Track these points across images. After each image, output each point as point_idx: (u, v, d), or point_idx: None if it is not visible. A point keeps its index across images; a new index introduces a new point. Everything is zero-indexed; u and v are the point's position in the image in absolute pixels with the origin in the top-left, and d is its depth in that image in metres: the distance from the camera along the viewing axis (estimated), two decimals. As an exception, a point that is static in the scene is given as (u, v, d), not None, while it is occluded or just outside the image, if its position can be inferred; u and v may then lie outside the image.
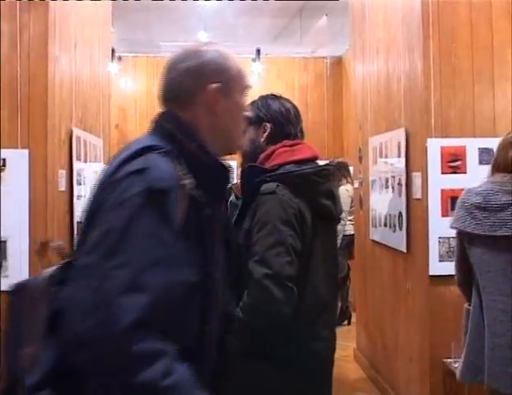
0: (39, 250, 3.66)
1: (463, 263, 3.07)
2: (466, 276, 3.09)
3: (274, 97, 2.64)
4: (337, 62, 9.68)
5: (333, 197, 2.50)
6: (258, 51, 9.08)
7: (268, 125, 2.52)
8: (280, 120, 2.54)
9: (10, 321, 1.54)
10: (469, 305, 3.09)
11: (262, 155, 2.47)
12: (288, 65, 9.71)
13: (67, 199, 4.46)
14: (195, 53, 1.65)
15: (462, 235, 3.03)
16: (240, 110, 1.69)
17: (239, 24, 9.03)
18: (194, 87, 1.61)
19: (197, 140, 1.56)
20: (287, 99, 2.66)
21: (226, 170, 1.64)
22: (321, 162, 2.55)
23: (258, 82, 9.57)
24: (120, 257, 1.33)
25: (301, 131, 2.62)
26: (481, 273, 2.94)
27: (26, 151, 3.93)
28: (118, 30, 8.22)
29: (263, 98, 2.63)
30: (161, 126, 1.61)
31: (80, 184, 4.74)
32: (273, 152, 2.46)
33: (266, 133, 2.52)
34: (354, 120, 6.64)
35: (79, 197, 4.71)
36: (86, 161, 4.95)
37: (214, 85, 1.60)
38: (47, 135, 3.98)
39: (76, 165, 4.61)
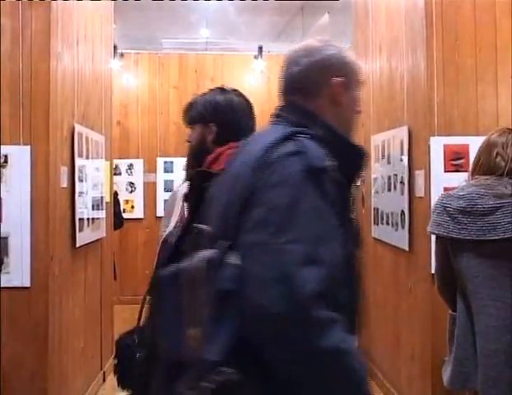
0: None
1: (447, 270, 3.02)
2: (449, 283, 3.05)
3: (222, 92, 2.49)
4: (339, 60, 9.65)
5: None
6: (261, 48, 9.06)
7: (214, 125, 2.39)
8: (227, 119, 2.39)
9: (163, 305, 1.58)
10: (453, 311, 3.06)
11: (209, 158, 2.33)
12: (290, 63, 9.69)
13: (68, 196, 4.46)
14: (317, 48, 1.74)
15: (444, 241, 2.98)
16: (357, 103, 1.78)
17: (241, 21, 9.04)
18: (320, 81, 1.71)
19: (326, 126, 1.65)
20: (239, 94, 2.49)
21: (363, 153, 1.71)
22: None
23: (260, 80, 9.56)
24: (291, 232, 1.40)
25: (253, 128, 2.45)
26: (469, 279, 2.88)
27: (28, 148, 3.93)
28: (120, 27, 8.22)
29: (211, 93, 2.48)
30: (287, 117, 1.69)
31: (81, 181, 4.73)
32: (220, 155, 2.30)
33: (212, 134, 2.39)
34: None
35: (81, 193, 4.70)
36: (87, 158, 4.95)
37: (338, 79, 1.70)
38: (49, 131, 3.97)
39: (78, 162, 4.60)
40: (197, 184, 2.23)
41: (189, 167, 2.49)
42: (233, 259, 1.44)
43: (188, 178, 2.36)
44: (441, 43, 4.13)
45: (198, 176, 2.26)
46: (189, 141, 2.49)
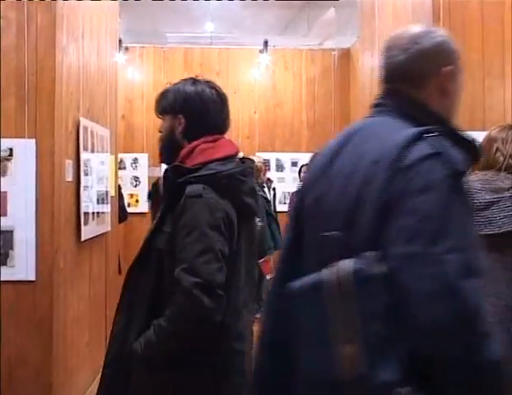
0: None
1: None
2: None
3: (194, 83, 2.40)
4: (345, 55, 9.62)
5: (255, 195, 2.40)
6: (266, 42, 9.03)
7: (183, 117, 2.34)
8: (196, 111, 2.33)
9: (303, 321, 1.48)
10: None
11: (183, 152, 2.29)
12: (295, 57, 9.66)
13: (73, 189, 4.45)
14: (423, 35, 1.66)
15: None
16: (461, 91, 1.71)
17: (247, 15, 9.01)
18: (429, 69, 1.64)
19: (439, 118, 1.58)
20: (212, 86, 2.41)
21: (478, 145, 1.61)
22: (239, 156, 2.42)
23: (266, 74, 9.54)
24: (447, 241, 1.34)
25: (225, 122, 2.39)
26: None
27: (33, 141, 3.92)
28: (125, 21, 8.21)
29: (182, 83, 2.41)
30: (393, 107, 1.64)
31: (87, 175, 4.73)
32: (194, 149, 2.28)
33: (181, 126, 2.34)
34: (361, 113, 6.60)
35: (86, 187, 4.69)
36: (93, 151, 4.94)
37: (448, 68, 1.64)
38: (54, 125, 3.96)
39: (84, 156, 4.59)
40: (171, 182, 2.23)
41: (162, 160, 2.46)
42: (380, 269, 1.37)
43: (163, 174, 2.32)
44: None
45: (173, 172, 2.26)
46: (160, 132, 2.46)
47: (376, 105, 1.70)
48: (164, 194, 2.30)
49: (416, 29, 1.69)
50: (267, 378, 1.71)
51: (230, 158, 2.32)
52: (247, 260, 2.36)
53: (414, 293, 1.33)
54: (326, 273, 1.41)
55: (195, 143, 2.28)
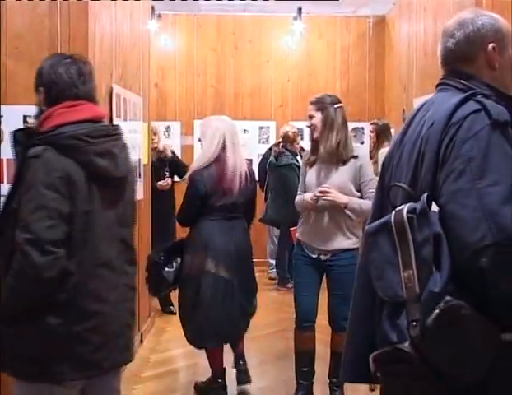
0: None
1: None
2: None
3: (50, 57, 2.59)
4: (380, 22, 9.44)
5: (113, 157, 2.46)
6: (300, 10, 8.88)
7: (42, 89, 2.50)
8: (50, 82, 2.48)
9: (377, 253, 1.83)
10: None
11: (42, 117, 2.46)
12: (330, 24, 9.50)
13: (106, 157, 4.42)
14: (469, 20, 1.98)
15: None
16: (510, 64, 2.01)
17: (281, -18, 8.85)
18: (475, 49, 1.97)
19: (490, 87, 1.91)
20: (70, 56, 2.56)
21: None
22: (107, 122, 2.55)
23: (300, 42, 9.41)
24: (489, 177, 1.67)
25: (83, 89, 2.51)
26: None
27: (67, 108, 3.89)
28: (158, -12, 8.11)
29: (44, 59, 2.59)
30: (453, 83, 1.96)
31: (120, 143, 4.70)
32: (51, 114, 2.43)
33: (42, 97, 2.50)
34: (398, 81, 6.47)
35: (119, 155, 4.67)
36: (125, 119, 4.91)
37: (491, 45, 1.95)
38: (87, 92, 3.93)
39: (116, 123, 4.56)
40: (23, 145, 2.39)
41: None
42: (435, 207, 1.71)
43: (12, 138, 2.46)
44: (491, 1, 3.97)
45: (24, 136, 2.43)
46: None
47: (438, 85, 2.04)
48: (16, 157, 2.44)
49: (464, 14, 2.02)
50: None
51: (89, 121, 2.44)
52: (118, 222, 2.50)
53: (463, 219, 1.66)
54: (392, 214, 1.79)
55: (52, 109, 2.44)
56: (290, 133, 7.30)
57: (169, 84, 9.38)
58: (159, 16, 8.97)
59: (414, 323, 1.66)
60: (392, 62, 8.40)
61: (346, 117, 4.18)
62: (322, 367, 5.14)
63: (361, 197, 4.05)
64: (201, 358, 5.31)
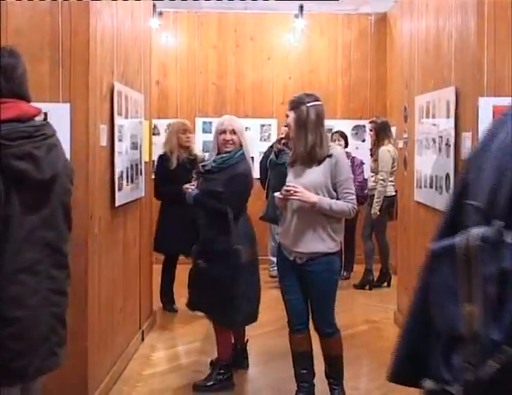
0: None
1: None
2: None
3: None
4: (382, 19, 9.42)
5: (34, 160, 2.39)
6: (301, 7, 8.87)
7: None
8: None
9: (437, 279, 1.61)
10: None
11: None
12: (331, 22, 9.48)
13: (107, 155, 4.43)
14: None
15: None
16: None
17: (282, -21, 8.83)
18: None
19: None
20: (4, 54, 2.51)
21: None
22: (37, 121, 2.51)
23: (301, 39, 9.39)
24: None
25: (11, 90, 2.47)
26: None
27: (68, 105, 3.89)
28: (160, -15, 8.10)
29: None
30: None
31: (121, 140, 4.69)
32: None
33: None
34: (399, 78, 6.47)
35: (120, 152, 4.67)
36: (127, 117, 4.90)
37: None
38: (88, 89, 3.93)
39: (118, 121, 4.56)
40: None
41: None
42: (503, 237, 1.43)
43: None
44: (493, 0, 3.96)
45: None
46: None
47: None
48: None
49: None
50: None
51: (14, 121, 2.38)
52: (43, 226, 2.43)
53: None
54: (460, 237, 1.52)
55: None
56: (288, 130, 7.27)
57: (171, 81, 9.37)
58: (160, 13, 8.96)
59: (469, 366, 1.48)
60: (393, 60, 8.39)
61: (323, 115, 4.01)
62: (322, 365, 5.13)
63: (338, 198, 3.94)
64: (202, 355, 5.32)
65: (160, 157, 6.53)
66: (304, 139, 3.91)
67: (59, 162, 2.56)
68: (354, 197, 3.94)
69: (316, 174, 3.92)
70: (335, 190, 3.94)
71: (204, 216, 4.67)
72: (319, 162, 3.92)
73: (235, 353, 4.97)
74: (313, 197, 3.85)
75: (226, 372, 4.67)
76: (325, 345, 4.16)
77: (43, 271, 2.45)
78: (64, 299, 2.60)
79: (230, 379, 4.69)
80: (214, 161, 4.59)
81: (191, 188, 4.77)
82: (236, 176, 4.45)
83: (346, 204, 3.89)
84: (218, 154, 4.61)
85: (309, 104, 3.95)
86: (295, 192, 3.86)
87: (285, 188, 3.92)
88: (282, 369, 4.86)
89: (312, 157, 3.92)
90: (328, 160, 3.91)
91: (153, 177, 6.51)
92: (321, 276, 3.94)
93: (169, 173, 6.25)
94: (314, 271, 3.95)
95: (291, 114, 4.02)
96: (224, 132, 4.57)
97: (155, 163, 6.69)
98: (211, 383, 4.62)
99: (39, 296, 2.43)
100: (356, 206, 3.97)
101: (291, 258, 4.03)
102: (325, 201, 3.87)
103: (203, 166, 4.69)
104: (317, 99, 4.02)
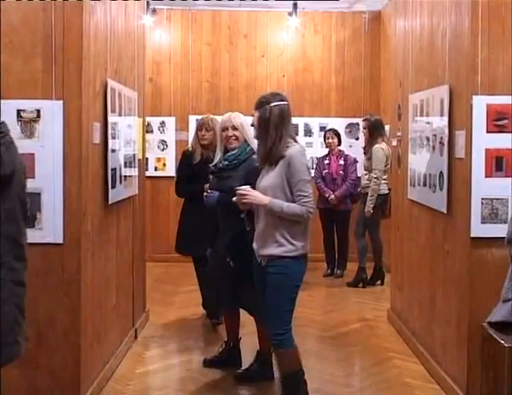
0: None
1: None
2: None
3: None
4: (376, 18, 9.41)
5: None
6: (295, 5, 8.85)
7: None
8: None
9: None
10: None
11: None
12: (325, 20, 9.47)
13: (101, 152, 4.41)
14: None
15: None
16: None
17: (276, -23, 8.83)
18: None
19: None
20: None
21: None
22: None
23: (295, 37, 9.39)
24: None
25: None
26: None
27: (61, 103, 3.87)
28: (153, -18, 8.08)
29: None
30: None
31: (114, 137, 4.68)
32: None
33: None
34: (393, 77, 6.47)
35: (113, 150, 4.65)
36: (120, 114, 4.88)
37: None
38: (81, 86, 3.91)
39: (111, 118, 4.54)
40: None
41: None
42: None
43: None
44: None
45: None
46: None
47: None
48: None
49: None
50: None
51: None
52: (6, 220, 2.49)
53: None
54: None
55: None
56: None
57: (164, 79, 9.35)
58: (154, 10, 8.94)
59: None
60: (387, 58, 8.39)
61: (286, 115, 3.92)
62: (315, 363, 5.14)
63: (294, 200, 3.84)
64: (195, 354, 5.31)
65: (183, 153, 6.24)
66: (265, 139, 3.87)
67: (17, 158, 2.60)
68: (309, 199, 3.79)
69: (273, 175, 3.84)
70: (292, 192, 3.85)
71: (222, 216, 4.68)
72: (276, 163, 3.84)
73: (228, 351, 4.98)
74: (264, 200, 3.80)
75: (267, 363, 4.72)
76: (275, 358, 4.04)
77: (6, 262, 2.52)
78: (24, 290, 2.65)
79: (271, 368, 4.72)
80: (225, 159, 4.66)
81: (207, 191, 4.77)
82: (252, 170, 4.42)
83: (299, 207, 3.77)
84: (226, 152, 4.71)
85: (272, 104, 3.88)
86: (246, 195, 3.83)
87: (237, 191, 3.90)
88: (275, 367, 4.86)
89: (271, 158, 3.86)
90: (282, 160, 3.82)
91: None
92: (274, 280, 3.84)
93: (191, 169, 5.92)
94: (269, 274, 3.88)
95: (256, 113, 3.98)
96: (226, 129, 4.71)
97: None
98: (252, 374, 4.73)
99: (6, 288, 2.51)
100: (311, 209, 3.81)
101: (258, 261, 3.98)
102: (276, 204, 3.78)
103: (214, 165, 4.73)
104: (282, 99, 3.95)
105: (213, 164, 4.81)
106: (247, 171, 4.49)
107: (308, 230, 3.92)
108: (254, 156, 4.51)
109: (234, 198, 4.01)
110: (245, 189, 3.86)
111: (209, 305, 6.01)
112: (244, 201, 3.85)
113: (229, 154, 4.66)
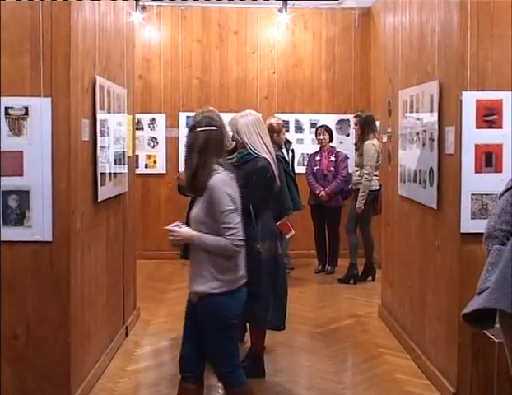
0: None
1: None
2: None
3: None
4: (366, 14, 9.41)
5: None
6: (285, 1, 8.84)
7: None
8: None
9: None
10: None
11: None
12: (315, 16, 9.45)
13: (90, 149, 4.39)
14: None
15: None
16: None
17: (266, -27, 8.82)
18: None
19: None
20: None
21: None
22: None
23: (285, 33, 9.38)
24: None
25: None
26: None
27: (49, 100, 3.85)
28: (143, -22, 8.05)
29: None
30: None
31: (103, 135, 4.66)
32: None
33: None
34: (383, 73, 6.47)
35: (102, 147, 4.63)
36: (109, 111, 4.86)
37: None
38: (70, 83, 3.89)
39: (100, 115, 4.52)
40: None
41: None
42: None
43: None
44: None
45: None
46: None
47: None
48: None
49: None
50: None
51: None
52: None
53: None
54: None
55: None
56: (274, 124, 7.25)
57: (154, 76, 9.32)
58: (143, 7, 8.91)
59: None
60: (377, 54, 8.39)
61: (214, 141, 3.51)
62: (307, 360, 5.14)
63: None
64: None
65: None
66: (189, 165, 3.51)
67: None
68: (234, 231, 3.38)
69: (198, 207, 3.51)
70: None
71: None
72: (202, 193, 3.47)
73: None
74: (190, 234, 3.48)
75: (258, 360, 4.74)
76: None
77: None
78: None
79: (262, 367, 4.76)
80: (236, 156, 4.65)
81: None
82: (254, 172, 4.46)
83: (223, 240, 3.38)
84: (233, 151, 4.71)
85: (200, 129, 3.50)
86: (172, 232, 3.52)
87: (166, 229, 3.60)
88: (267, 365, 4.86)
89: (195, 186, 3.50)
90: (206, 190, 3.43)
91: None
92: (205, 320, 3.50)
93: None
94: (199, 313, 3.53)
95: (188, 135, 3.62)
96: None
97: None
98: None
99: None
100: (237, 242, 3.40)
101: (191, 299, 3.61)
102: (201, 238, 3.44)
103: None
104: (211, 124, 3.55)
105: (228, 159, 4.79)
106: (248, 172, 4.49)
107: (239, 261, 3.54)
108: (262, 158, 4.55)
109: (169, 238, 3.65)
110: (171, 227, 3.54)
111: None
112: (170, 238, 3.53)
113: (239, 151, 4.65)
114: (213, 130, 3.53)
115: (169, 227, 3.52)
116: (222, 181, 3.47)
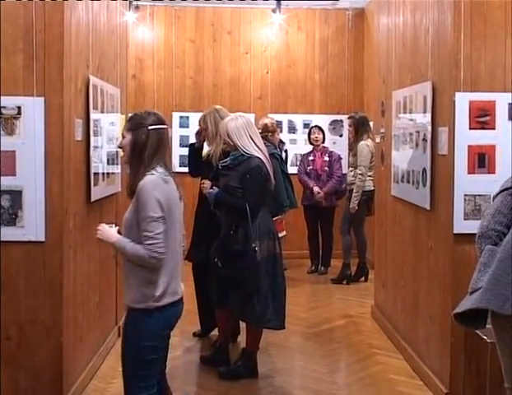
0: None
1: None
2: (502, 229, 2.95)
3: None
4: (359, 15, 9.42)
5: None
6: (279, 2, 8.84)
7: None
8: None
9: None
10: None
11: None
12: (309, 17, 9.46)
13: (83, 149, 4.38)
14: None
15: None
16: None
17: (260, -27, 8.82)
18: None
19: None
20: None
21: None
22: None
23: (279, 34, 9.37)
24: None
25: None
26: None
27: (42, 99, 3.84)
28: (136, -22, 8.04)
29: None
30: None
31: (97, 134, 4.65)
32: None
33: None
34: (376, 74, 6.48)
35: (95, 147, 4.62)
36: (103, 111, 4.85)
37: None
38: (63, 83, 3.88)
39: (93, 115, 4.51)
40: None
41: None
42: None
43: None
44: (469, -2, 3.98)
45: None
46: None
47: None
48: None
49: None
50: None
51: None
52: None
53: None
54: None
55: None
56: (269, 124, 7.26)
57: (148, 75, 9.30)
58: (137, 7, 8.90)
59: None
60: (371, 55, 8.40)
61: (166, 141, 3.27)
62: (300, 360, 5.14)
63: None
64: (178, 351, 5.29)
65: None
66: (137, 166, 3.12)
67: None
68: (153, 241, 2.98)
69: (128, 209, 3.17)
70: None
71: (224, 213, 4.72)
72: (133, 194, 3.12)
73: (217, 351, 4.98)
74: (111, 238, 3.18)
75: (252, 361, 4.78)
76: None
77: None
78: None
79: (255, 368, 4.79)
80: (230, 158, 4.68)
81: (207, 188, 4.84)
82: (248, 171, 4.51)
83: (142, 249, 3.01)
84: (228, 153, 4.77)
85: (151, 127, 3.18)
86: (97, 230, 3.25)
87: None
88: (261, 364, 4.86)
89: (130, 187, 3.17)
90: (136, 192, 3.08)
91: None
92: (124, 334, 3.19)
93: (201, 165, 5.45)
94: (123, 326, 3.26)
95: (128, 136, 3.19)
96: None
97: None
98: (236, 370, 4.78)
99: None
100: (155, 254, 2.99)
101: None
102: (121, 243, 3.12)
103: (222, 163, 4.76)
104: (161, 122, 3.28)
105: (223, 161, 4.79)
106: (243, 172, 4.53)
107: (167, 275, 3.10)
108: (256, 158, 4.57)
109: None
110: (102, 225, 3.27)
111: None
112: (97, 236, 3.25)
113: (234, 152, 4.66)
114: (165, 129, 3.28)
115: (101, 225, 3.28)
116: (152, 183, 3.05)
